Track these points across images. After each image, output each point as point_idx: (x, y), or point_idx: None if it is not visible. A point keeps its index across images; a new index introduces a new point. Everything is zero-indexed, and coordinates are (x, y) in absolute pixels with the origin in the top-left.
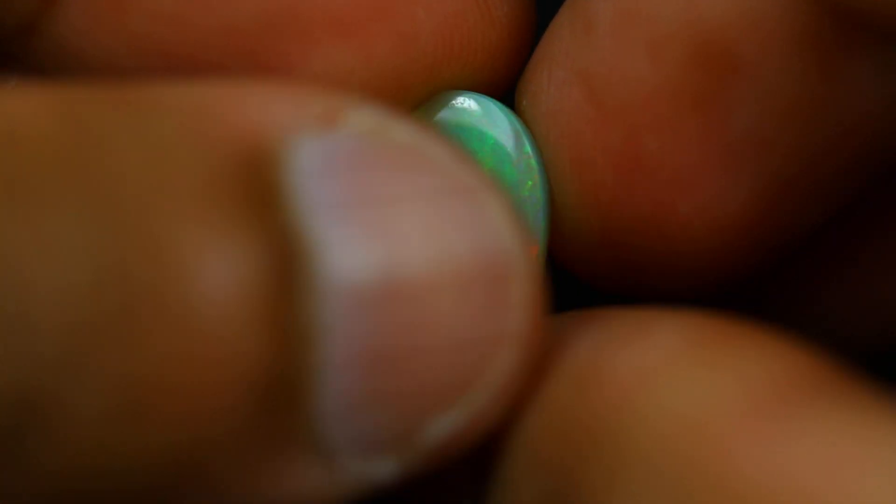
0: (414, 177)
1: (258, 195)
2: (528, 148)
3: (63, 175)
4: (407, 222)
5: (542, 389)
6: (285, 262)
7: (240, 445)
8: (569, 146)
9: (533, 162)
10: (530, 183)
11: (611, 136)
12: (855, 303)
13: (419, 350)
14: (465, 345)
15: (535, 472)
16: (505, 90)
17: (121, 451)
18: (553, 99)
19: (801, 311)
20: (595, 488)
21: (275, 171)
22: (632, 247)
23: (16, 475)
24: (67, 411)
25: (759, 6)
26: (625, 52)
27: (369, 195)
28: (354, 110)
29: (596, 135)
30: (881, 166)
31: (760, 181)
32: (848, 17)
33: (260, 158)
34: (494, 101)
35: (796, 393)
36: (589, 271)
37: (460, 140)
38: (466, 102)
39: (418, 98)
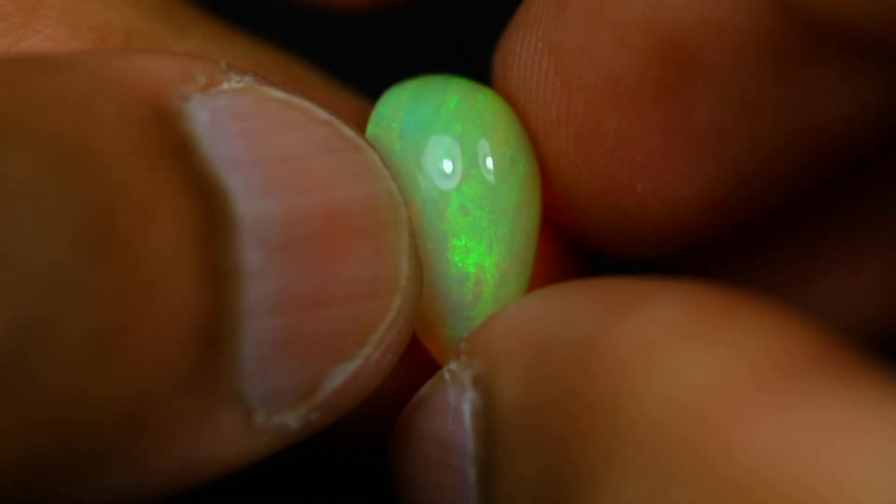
0: (298, 129)
1: (172, 145)
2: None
3: (20, 126)
4: (301, 173)
5: (544, 358)
6: (207, 208)
7: (183, 393)
8: (535, 112)
9: None
10: None
11: (574, 110)
12: (845, 291)
13: (323, 296)
14: (363, 292)
15: (535, 444)
16: None
17: (87, 396)
18: (524, 64)
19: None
20: (592, 466)
21: (181, 124)
22: (591, 213)
23: None
24: (48, 351)
25: (722, 14)
26: (593, 37)
27: (263, 147)
28: (229, 74)
29: (561, 106)
30: (844, 166)
31: (717, 170)
32: (814, 27)
33: (161, 113)
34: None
35: (795, 371)
36: (561, 227)
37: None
38: None
39: None
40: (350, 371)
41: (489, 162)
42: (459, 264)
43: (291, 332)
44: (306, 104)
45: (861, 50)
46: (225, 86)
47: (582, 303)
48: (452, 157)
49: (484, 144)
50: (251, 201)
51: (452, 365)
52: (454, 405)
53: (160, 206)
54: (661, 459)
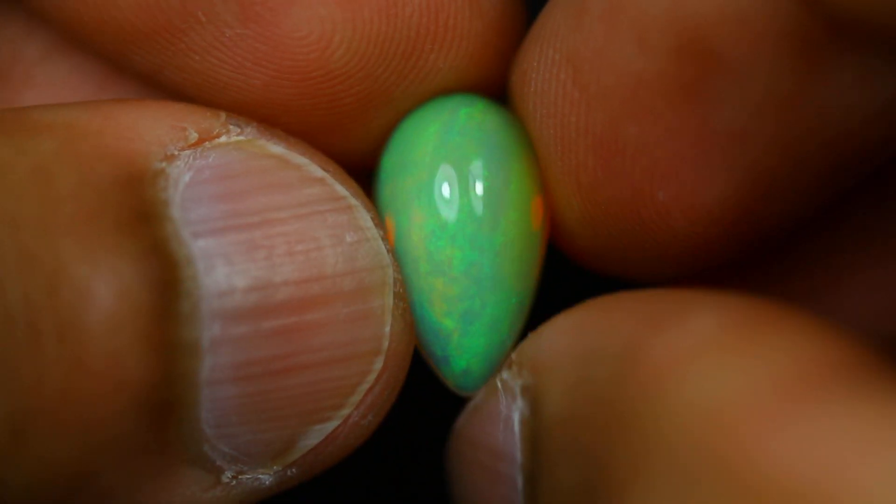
0: (285, 189)
1: (137, 213)
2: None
3: None
4: (277, 238)
5: (586, 370)
6: (166, 278)
7: (129, 458)
8: (553, 126)
9: None
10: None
11: (594, 120)
12: (862, 303)
13: (293, 362)
14: (339, 356)
15: (574, 454)
16: (491, 89)
17: (14, 465)
18: (541, 78)
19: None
20: (620, 475)
21: (150, 189)
22: (611, 229)
23: None
24: None
25: (742, 7)
26: (613, 40)
27: (241, 210)
28: (229, 126)
29: (579, 117)
30: (868, 168)
31: (740, 176)
32: (837, 24)
33: (135, 176)
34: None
35: (822, 382)
36: (574, 250)
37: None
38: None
39: (402, 75)
40: (326, 431)
41: (475, 188)
42: (433, 309)
43: (256, 398)
44: (303, 161)
45: (885, 45)
46: (222, 139)
47: (623, 315)
48: (424, 191)
49: (468, 171)
50: (215, 270)
51: (504, 374)
52: (505, 414)
53: (106, 281)
54: (687, 469)
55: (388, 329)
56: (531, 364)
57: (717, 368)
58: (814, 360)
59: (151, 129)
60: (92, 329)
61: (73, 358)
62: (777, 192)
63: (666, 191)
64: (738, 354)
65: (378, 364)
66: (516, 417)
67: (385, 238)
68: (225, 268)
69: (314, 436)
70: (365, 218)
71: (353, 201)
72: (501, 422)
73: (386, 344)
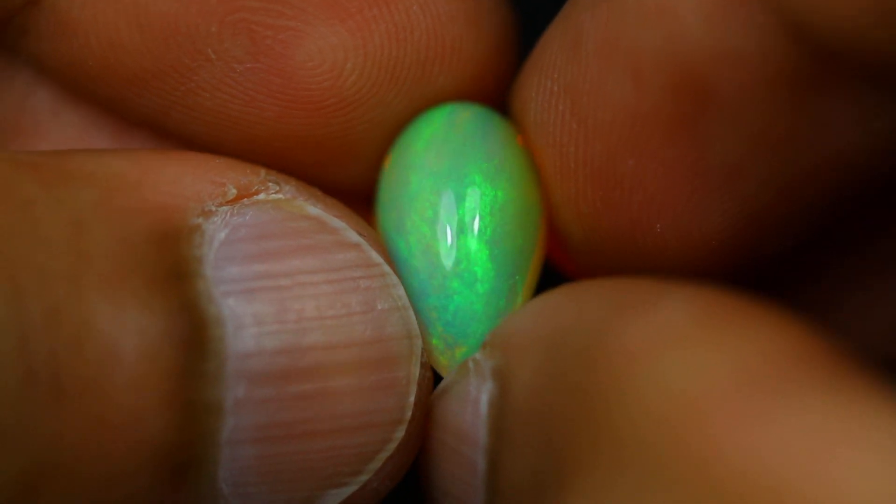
0: (320, 253)
1: (169, 269)
2: None
3: None
4: (308, 301)
5: (553, 353)
6: (193, 337)
7: None
8: (553, 155)
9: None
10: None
11: (592, 151)
12: (858, 329)
13: (316, 427)
14: (362, 424)
15: (535, 437)
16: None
17: None
18: (540, 108)
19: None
20: (573, 460)
21: (185, 245)
22: (610, 254)
23: None
24: None
25: (737, 44)
26: (608, 74)
27: (274, 272)
28: (268, 184)
29: (578, 148)
30: (866, 196)
31: (735, 207)
32: (827, 56)
33: (171, 233)
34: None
35: (792, 377)
36: (574, 271)
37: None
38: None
39: (411, 98)
40: (343, 496)
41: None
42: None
43: (275, 460)
44: (339, 224)
45: (874, 78)
46: (261, 196)
47: (594, 301)
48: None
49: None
50: (244, 331)
51: (477, 355)
52: (474, 395)
53: (132, 339)
54: (638, 460)
55: (412, 399)
56: (503, 345)
57: (684, 359)
58: (782, 352)
59: (191, 184)
60: (115, 387)
61: (93, 415)
62: (773, 222)
63: (663, 222)
64: (707, 346)
65: (400, 433)
66: (484, 399)
67: (414, 309)
68: (254, 329)
69: (330, 500)
70: (397, 286)
71: (387, 269)
72: (470, 403)
73: (409, 413)
